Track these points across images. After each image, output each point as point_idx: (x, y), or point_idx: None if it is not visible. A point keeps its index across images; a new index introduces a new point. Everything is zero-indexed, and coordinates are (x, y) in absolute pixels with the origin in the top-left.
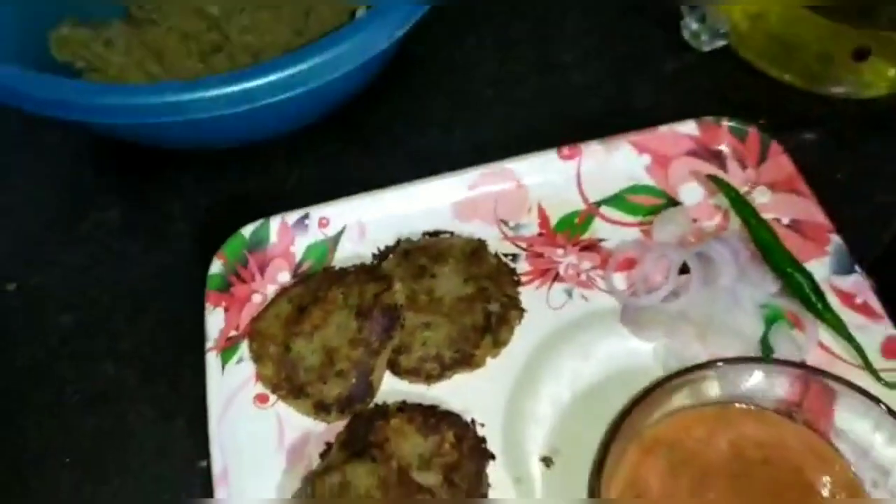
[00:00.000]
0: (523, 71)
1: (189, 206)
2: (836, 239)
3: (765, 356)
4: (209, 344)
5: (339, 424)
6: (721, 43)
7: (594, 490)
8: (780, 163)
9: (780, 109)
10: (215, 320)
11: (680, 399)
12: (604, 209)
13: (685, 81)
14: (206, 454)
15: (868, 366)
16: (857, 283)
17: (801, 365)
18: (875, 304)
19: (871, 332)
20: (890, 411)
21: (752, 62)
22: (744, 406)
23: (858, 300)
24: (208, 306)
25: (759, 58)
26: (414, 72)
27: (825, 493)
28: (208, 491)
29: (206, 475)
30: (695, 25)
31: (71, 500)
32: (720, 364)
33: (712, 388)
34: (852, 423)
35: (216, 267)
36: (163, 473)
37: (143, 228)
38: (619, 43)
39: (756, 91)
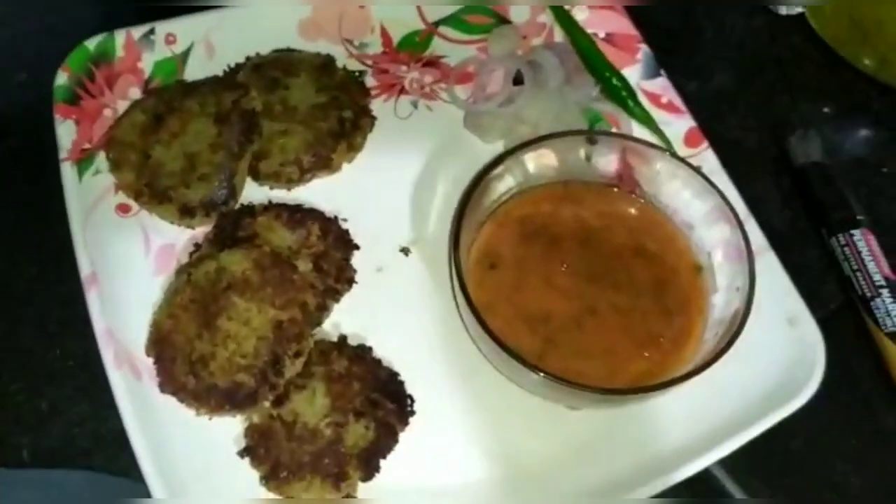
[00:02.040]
0: None
1: None
2: (644, 48)
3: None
4: (63, 154)
5: (204, 230)
6: (798, 10)
7: (455, 259)
8: None
9: (844, 95)
10: (67, 131)
11: (522, 176)
12: (442, 28)
13: (753, 43)
14: None
15: (674, 154)
16: (663, 85)
17: (619, 134)
18: (678, 101)
19: (675, 126)
20: (695, 169)
21: (826, 39)
22: (583, 182)
23: (664, 100)
24: (58, 118)
25: (835, 36)
26: None
27: (653, 250)
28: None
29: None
30: None
31: None
32: (554, 137)
33: (551, 164)
34: (666, 184)
35: (61, 79)
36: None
37: None
38: None
39: (822, 70)
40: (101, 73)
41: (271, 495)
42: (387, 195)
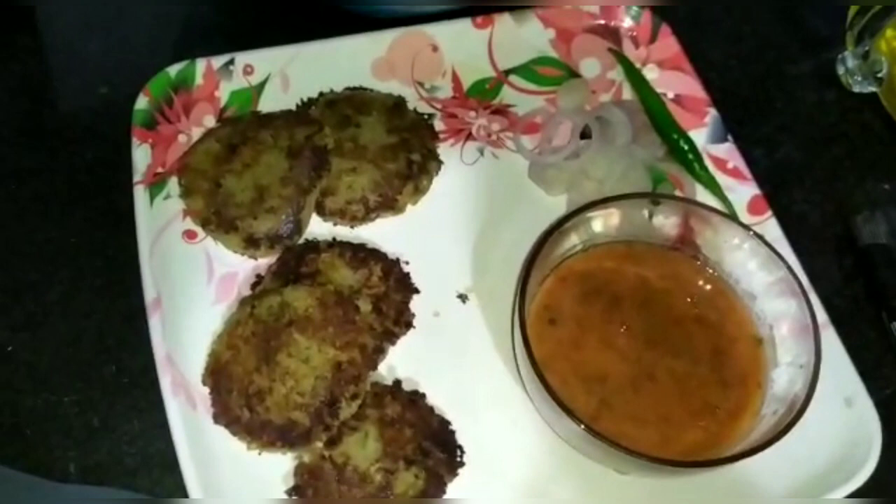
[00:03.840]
0: None
1: None
2: (712, 112)
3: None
4: (137, 178)
5: (267, 261)
6: (871, 88)
7: (520, 312)
8: (668, 43)
9: None
10: (142, 155)
11: (587, 234)
12: (512, 77)
13: (823, 117)
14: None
15: (740, 222)
16: (729, 150)
17: (684, 198)
18: (744, 168)
19: (740, 193)
20: (761, 239)
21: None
22: (646, 243)
23: (730, 165)
24: (135, 141)
25: None
26: None
27: (714, 318)
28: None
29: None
30: (852, 62)
31: None
32: (621, 198)
33: (615, 223)
34: (731, 253)
35: (141, 103)
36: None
37: None
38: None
39: (891, 150)
40: (179, 100)
41: None
42: (448, 240)
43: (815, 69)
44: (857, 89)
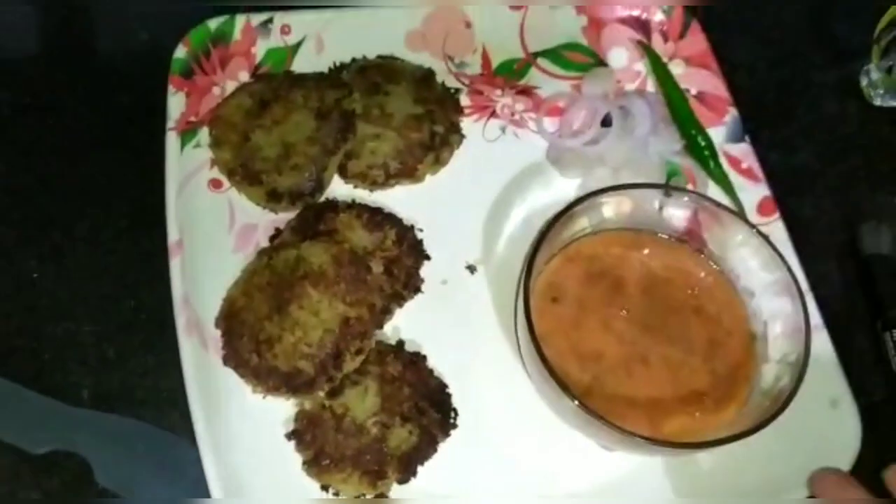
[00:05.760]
0: None
1: None
2: (733, 111)
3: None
4: (170, 124)
5: (286, 216)
6: (893, 103)
7: (525, 286)
8: (697, 40)
9: None
10: (177, 103)
11: (597, 218)
12: (540, 60)
13: (842, 127)
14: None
15: (747, 220)
16: (745, 150)
17: (695, 192)
18: (757, 169)
19: (751, 193)
20: (766, 239)
21: None
22: (654, 233)
23: (744, 165)
24: (171, 89)
25: None
26: None
27: (712, 310)
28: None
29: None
30: (876, 75)
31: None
32: (635, 187)
33: (625, 211)
34: (735, 250)
35: (180, 52)
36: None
37: None
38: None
39: None
40: (216, 53)
41: (309, 479)
42: (462, 212)
43: (839, 79)
44: (878, 102)
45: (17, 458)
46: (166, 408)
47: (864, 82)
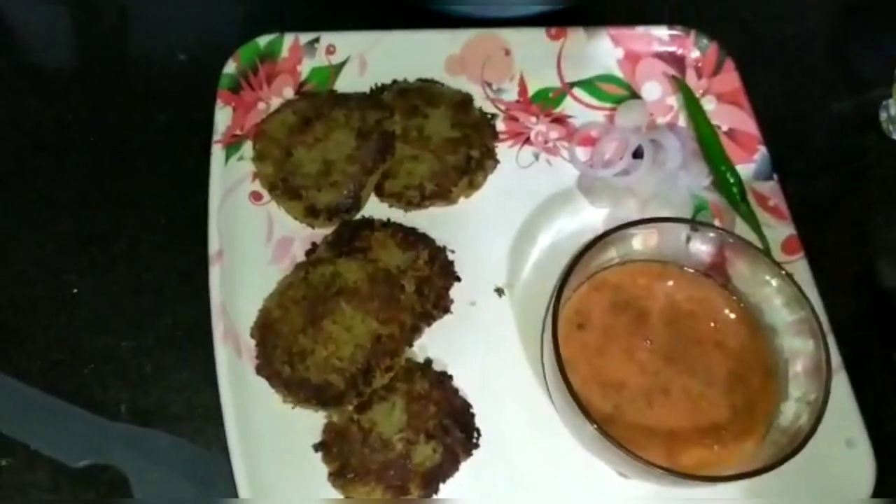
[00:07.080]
0: None
1: None
2: (762, 150)
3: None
4: (216, 137)
5: (322, 232)
6: None
7: (554, 312)
8: (730, 78)
9: None
10: (223, 117)
11: (625, 249)
12: (576, 90)
13: (860, 159)
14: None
15: (772, 259)
16: (773, 188)
17: (722, 228)
18: (783, 208)
19: (776, 231)
20: (790, 278)
21: None
22: (680, 266)
23: (771, 203)
24: (219, 103)
25: None
26: None
27: (734, 345)
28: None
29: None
30: (894, 110)
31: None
32: (664, 221)
33: (652, 243)
34: (759, 287)
35: (230, 67)
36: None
37: None
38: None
39: None
40: (263, 69)
41: (335, 492)
42: (493, 235)
43: (858, 112)
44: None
45: (56, 471)
46: (201, 424)
47: (882, 116)
